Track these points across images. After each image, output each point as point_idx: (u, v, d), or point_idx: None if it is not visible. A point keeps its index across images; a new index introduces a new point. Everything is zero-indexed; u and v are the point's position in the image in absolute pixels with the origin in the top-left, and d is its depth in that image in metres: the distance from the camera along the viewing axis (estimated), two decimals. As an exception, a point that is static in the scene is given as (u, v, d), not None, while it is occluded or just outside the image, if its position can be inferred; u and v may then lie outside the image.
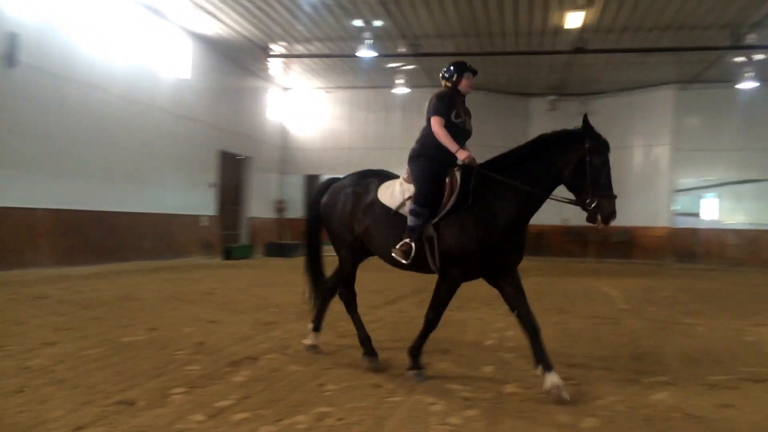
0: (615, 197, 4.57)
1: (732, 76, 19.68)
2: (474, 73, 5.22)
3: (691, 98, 21.90)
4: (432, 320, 4.90)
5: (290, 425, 3.71)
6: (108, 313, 7.53)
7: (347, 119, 24.13)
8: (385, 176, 5.47)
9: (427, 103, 5.17)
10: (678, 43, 16.53)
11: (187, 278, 12.14)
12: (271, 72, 21.44)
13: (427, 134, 5.11)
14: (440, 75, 5.27)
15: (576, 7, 14.70)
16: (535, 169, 4.69)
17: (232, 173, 20.52)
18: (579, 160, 4.57)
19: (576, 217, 22.90)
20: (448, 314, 7.59)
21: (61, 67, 12.58)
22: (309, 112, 24.21)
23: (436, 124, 5.01)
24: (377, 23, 16.16)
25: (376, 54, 17.26)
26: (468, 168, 4.83)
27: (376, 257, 5.40)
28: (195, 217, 17.83)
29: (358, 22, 16.10)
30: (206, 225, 18.32)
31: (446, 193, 4.81)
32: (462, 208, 4.73)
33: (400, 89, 21.52)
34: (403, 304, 9.18)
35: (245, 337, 6.35)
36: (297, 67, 21.04)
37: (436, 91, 5.22)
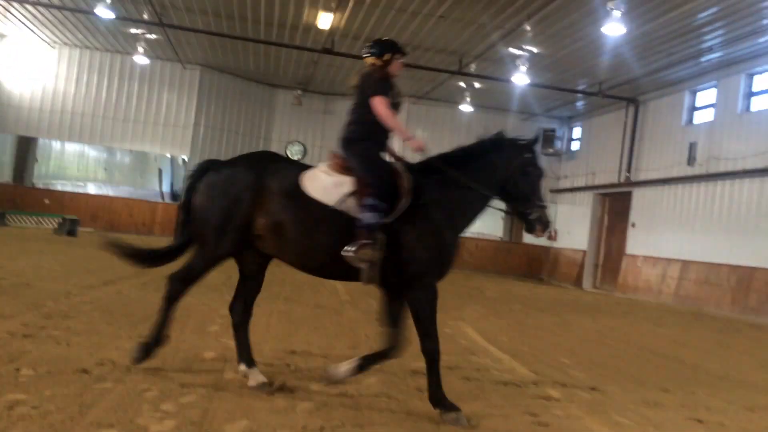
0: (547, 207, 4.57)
1: (455, 98, 22.05)
2: (404, 55, 4.74)
3: (421, 112, 24.03)
4: (434, 351, 4.21)
5: (-28, 416, 3.23)
6: None
7: (76, 81, 21.84)
8: (295, 163, 4.67)
9: (361, 81, 4.60)
10: (414, 60, 17.96)
11: None
12: (-17, 12, 18.52)
13: (367, 116, 4.46)
14: (368, 52, 4.62)
15: (327, 8, 15.18)
16: (485, 171, 4.48)
17: None
18: (522, 170, 4.53)
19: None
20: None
21: None
22: (29, 66, 21.40)
23: (383, 106, 4.41)
24: (121, -18, 14.93)
25: (114, 15, 15.91)
26: (407, 162, 4.49)
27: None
28: None
29: (98, -24, 14.69)
30: None
31: (401, 187, 4.27)
32: (416, 207, 4.24)
33: (141, 58, 20.13)
34: (122, 286, 8.59)
35: None
36: (17, 12, 18.42)
37: (369, 68, 4.61)
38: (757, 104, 15.89)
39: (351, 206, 4.24)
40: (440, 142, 25.75)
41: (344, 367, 4.39)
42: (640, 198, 19.61)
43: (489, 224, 27.33)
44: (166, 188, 24.11)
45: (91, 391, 3.86)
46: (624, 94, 19.63)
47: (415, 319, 4.24)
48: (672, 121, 18.60)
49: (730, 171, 15.83)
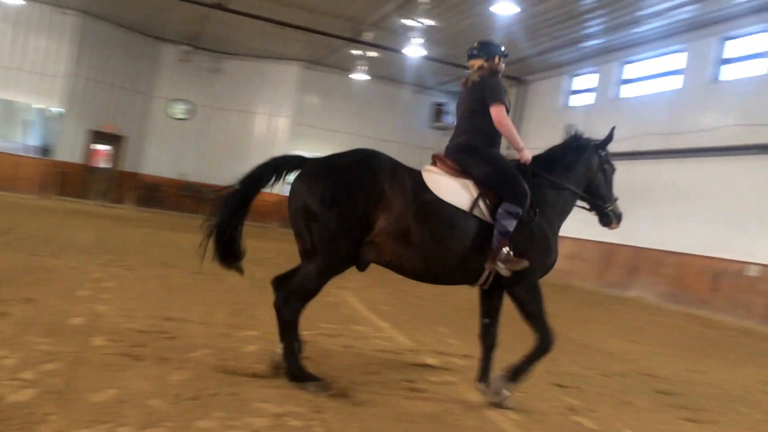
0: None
1: (349, 65, 21.91)
2: (507, 57, 4.71)
3: (313, 78, 23.73)
4: (549, 344, 4.27)
5: None
6: None
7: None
8: (398, 163, 4.18)
9: (480, 86, 4.41)
10: (310, 24, 17.64)
11: None
12: None
13: (488, 123, 4.34)
14: (476, 55, 4.53)
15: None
16: (575, 172, 4.61)
17: None
18: (602, 168, 4.73)
19: (193, 172, 22.70)
20: (38, 260, 6.83)
21: None
22: None
23: (504, 115, 4.34)
24: None
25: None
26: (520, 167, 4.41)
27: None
28: None
29: None
30: None
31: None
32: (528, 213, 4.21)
33: (10, -2, 18.45)
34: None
35: None
36: None
37: (482, 72, 4.48)
38: (629, 91, 16.96)
39: (483, 211, 4.15)
40: (332, 110, 25.78)
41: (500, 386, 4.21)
42: (521, 175, 20.46)
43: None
44: (33, 141, 22.37)
45: (-63, 360, 3.54)
46: (512, 74, 20.30)
47: (527, 317, 4.31)
48: (552, 102, 19.48)
49: (602, 153, 16.82)
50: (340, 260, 4.02)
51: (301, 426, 3.30)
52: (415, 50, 17.27)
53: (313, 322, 6.25)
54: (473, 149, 4.35)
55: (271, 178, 4.17)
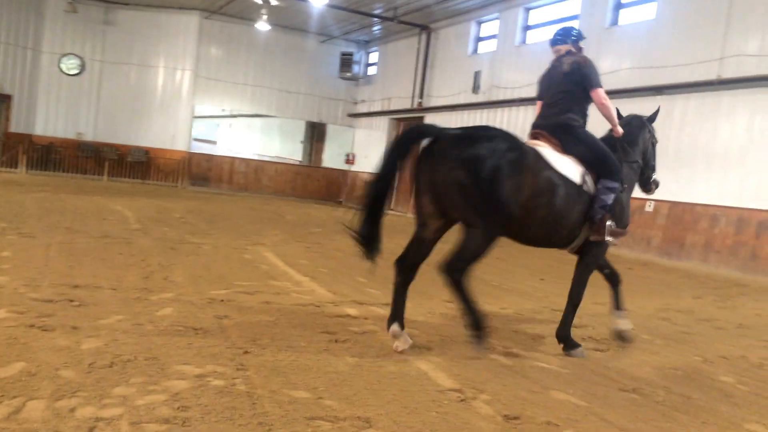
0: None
1: (251, 14, 21.15)
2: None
3: (214, 28, 22.76)
4: (580, 296, 4.75)
5: None
6: None
7: None
8: (521, 140, 4.39)
9: (578, 70, 4.73)
10: (207, -29, 16.81)
11: None
12: None
13: (583, 104, 4.81)
14: (563, 40, 4.91)
15: None
16: (638, 146, 5.10)
17: None
18: (651, 142, 5.26)
19: (91, 132, 21.57)
20: None
21: None
22: None
23: (606, 97, 4.81)
24: None
25: None
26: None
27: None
28: None
29: None
30: None
31: None
32: None
33: None
34: None
35: None
36: None
37: (575, 57, 4.81)
38: (532, 37, 17.29)
39: (589, 185, 4.53)
40: (236, 62, 24.92)
41: (620, 322, 4.89)
42: (432, 123, 20.65)
43: (288, 148, 27.28)
44: None
45: None
46: (417, 21, 20.22)
47: (584, 268, 4.74)
48: (459, 50, 19.62)
49: (508, 99, 17.21)
50: (500, 227, 4.21)
51: (223, 385, 3.25)
52: (319, -2, 16.85)
53: (230, 280, 6.15)
54: (570, 128, 4.71)
55: (410, 149, 4.14)
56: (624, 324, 4.90)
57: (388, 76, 23.22)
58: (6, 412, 2.73)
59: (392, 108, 22.58)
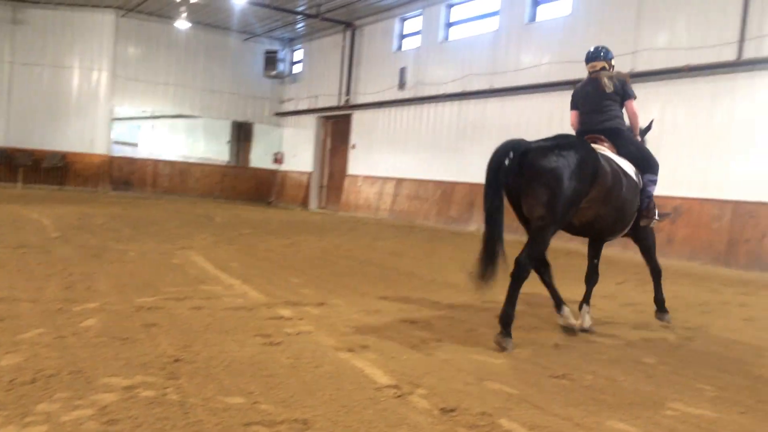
0: None
1: (170, 12, 20.60)
2: None
3: (131, 27, 22.05)
4: (660, 268, 5.80)
5: None
6: None
7: None
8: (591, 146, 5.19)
9: (618, 84, 5.52)
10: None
11: None
12: None
13: (622, 112, 5.63)
14: (602, 58, 5.67)
15: None
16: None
17: None
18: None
19: (1, 136, 20.60)
20: None
21: None
22: None
23: (636, 107, 5.68)
24: None
25: None
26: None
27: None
28: None
29: None
30: None
31: None
32: None
33: None
34: None
35: None
36: None
37: (611, 73, 5.61)
38: (455, 34, 17.56)
39: (639, 180, 5.34)
40: (155, 61, 24.28)
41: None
42: (359, 120, 20.69)
43: (214, 149, 26.74)
44: None
45: None
46: (341, 18, 20.19)
47: (648, 251, 5.76)
48: (384, 46, 19.72)
49: (434, 95, 17.43)
50: (565, 223, 4.91)
51: (154, 396, 3.16)
52: (240, -5, 16.57)
53: (157, 286, 5.98)
54: (621, 132, 5.53)
55: (504, 162, 4.63)
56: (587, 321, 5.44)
57: (314, 74, 23.10)
58: None
59: (319, 106, 22.48)
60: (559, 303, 5.26)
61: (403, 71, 18.73)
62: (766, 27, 10.63)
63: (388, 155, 19.19)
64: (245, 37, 23.63)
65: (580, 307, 5.47)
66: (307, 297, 5.98)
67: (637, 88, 12.58)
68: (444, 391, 3.53)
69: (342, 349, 4.24)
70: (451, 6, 17.63)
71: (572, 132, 5.76)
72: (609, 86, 5.49)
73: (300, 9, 20.08)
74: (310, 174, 22.83)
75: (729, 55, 11.04)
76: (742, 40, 10.87)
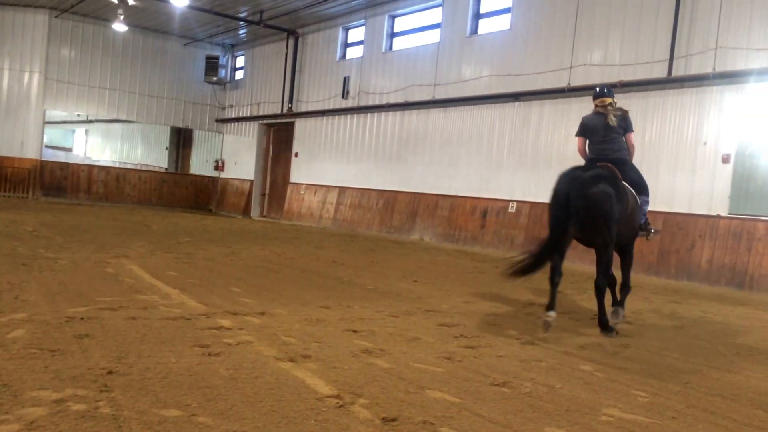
0: None
1: (107, 14, 20.06)
2: None
3: (65, 28, 21.36)
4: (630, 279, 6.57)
5: None
6: None
7: None
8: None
9: (621, 118, 6.48)
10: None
11: None
12: None
13: (625, 142, 6.57)
14: (607, 95, 6.59)
15: None
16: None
17: None
18: None
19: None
20: None
21: None
22: None
23: (634, 139, 6.75)
24: None
25: None
26: None
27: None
28: None
29: None
30: None
31: None
32: None
33: None
34: None
35: None
36: None
37: (614, 108, 6.51)
38: (398, 44, 17.71)
39: (640, 200, 6.35)
40: (91, 64, 23.59)
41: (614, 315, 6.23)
42: (302, 129, 20.59)
43: (152, 155, 26.10)
44: None
45: None
46: (284, 26, 20.07)
47: (628, 262, 6.53)
48: (328, 55, 19.71)
49: (377, 105, 17.52)
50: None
51: (85, 409, 3.03)
52: (180, -1, 16.27)
53: (90, 296, 5.78)
54: (625, 161, 6.48)
55: (570, 193, 5.66)
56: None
57: (257, 80, 22.87)
58: None
59: (262, 113, 22.26)
60: (552, 306, 5.72)
61: (346, 80, 18.76)
62: (694, 47, 11.15)
63: (331, 164, 19.15)
64: (186, 42, 23.21)
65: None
66: (247, 306, 5.88)
67: (573, 103, 13.03)
68: (386, 400, 3.52)
69: (283, 359, 4.19)
70: (394, 17, 17.78)
71: (579, 155, 6.99)
72: (614, 121, 6.46)
73: (242, 15, 19.86)
74: (251, 182, 22.54)
75: (660, 72, 11.52)
76: (671, 59, 11.35)
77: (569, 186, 5.64)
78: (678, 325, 6.74)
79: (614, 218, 5.67)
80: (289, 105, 20.78)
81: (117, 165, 24.47)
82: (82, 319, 4.88)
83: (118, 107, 22.48)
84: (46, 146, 22.53)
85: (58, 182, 21.58)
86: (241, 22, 20.58)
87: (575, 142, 12.98)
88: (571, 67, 12.90)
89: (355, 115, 18.43)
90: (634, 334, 5.98)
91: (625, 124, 6.52)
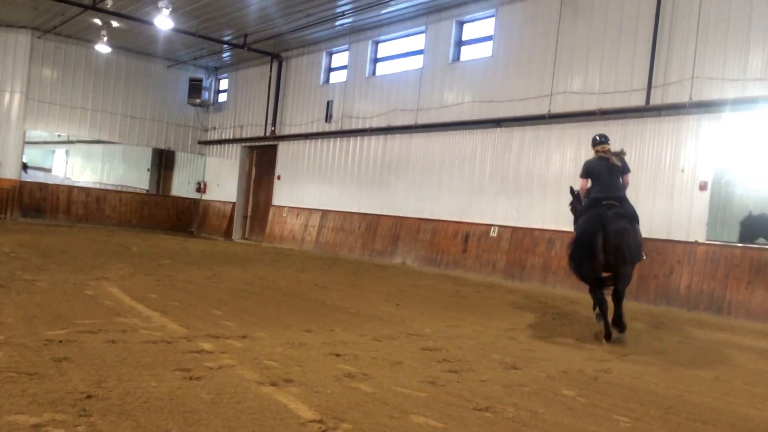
0: None
1: (90, 36, 20.05)
2: None
3: (48, 49, 21.29)
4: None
5: None
6: None
7: None
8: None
9: (620, 160, 7.60)
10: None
11: None
12: None
13: (622, 182, 7.64)
14: (606, 141, 7.76)
15: None
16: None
17: None
18: None
19: None
20: None
21: None
22: None
23: (629, 180, 7.85)
24: None
25: None
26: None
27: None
28: None
29: None
30: None
31: None
32: None
33: None
34: None
35: None
36: None
37: (612, 152, 7.65)
38: (381, 69, 17.87)
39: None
40: (73, 85, 23.51)
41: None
42: (284, 152, 20.61)
43: (133, 176, 25.92)
44: None
45: None
46: (268, 49, 20.18)
47: (625, 283, 7.34)
48: (312, 79, 19.82)
49: (360, 129, 17.62)
50: None
51: (65, 435, 2.98)
52: (164, 22, 16.31)
53: (69, 318, 5.71)
54: (625, 199, 7.46)
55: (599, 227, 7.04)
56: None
57: (240, 103, 22.90)
58: None
59: (245, 136, 22.26)
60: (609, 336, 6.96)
61: (329, 104, 18.86)
62: (671, 76, 11.38)
63: (314, 187, 19.16)
64: (169, 64, 23.23)
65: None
66: (229, 330, 5.84)
67: (554, 129, 13.24)
68: (369, 425, 3.50)
69: (265, 383, 4.15)
70: (377, 42, 17.96)
71: (581, 193, 8.00)
72: (617, 163, 7.57)
73: (226, 38, 19.95)
74: (234, 204, 22.45)
75: (638, 100, 11.73)
76: (649, 88, 11.57)
77: (597, 224, 7.01)
78: (658, 350, 6.80)
79: (633, 245, 7.05)
80: (273, 128, 20.81)
81: (97, 186, 24.24)
82: (61, 342, 4.81)
83: (99, 128, 22.36)
84: (25, 167, 22.29)
85: (38, 203, 21.32)
86: (225, 46, 20.66)
87: (556, 167, 13.19)
88: (551, 95, 13.09)
89: (338, 139, 18.50)
90: (615, 359, 6.01)
91: (623, 166, 7.66)
